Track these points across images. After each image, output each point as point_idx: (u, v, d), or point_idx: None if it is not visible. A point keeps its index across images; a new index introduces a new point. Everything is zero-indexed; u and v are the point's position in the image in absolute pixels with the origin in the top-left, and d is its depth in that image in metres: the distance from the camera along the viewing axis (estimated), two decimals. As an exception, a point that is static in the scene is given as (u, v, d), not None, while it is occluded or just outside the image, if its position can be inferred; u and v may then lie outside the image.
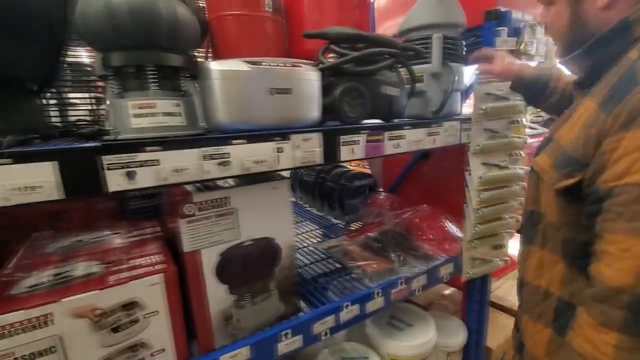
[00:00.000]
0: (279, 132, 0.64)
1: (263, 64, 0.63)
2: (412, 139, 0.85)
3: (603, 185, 0.46)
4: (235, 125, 0.62)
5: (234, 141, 0.60)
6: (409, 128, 0.84)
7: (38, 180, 0.47)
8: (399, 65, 0.90)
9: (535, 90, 0.88)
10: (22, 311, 0.52)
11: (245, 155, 0.61)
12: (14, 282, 0.60)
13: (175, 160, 0.55)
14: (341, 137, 0.72)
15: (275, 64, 0.64)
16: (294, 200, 1.82)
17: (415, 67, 0.94)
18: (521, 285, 0.67)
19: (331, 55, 0.83)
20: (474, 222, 1.01)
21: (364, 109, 0.79)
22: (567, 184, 0.52)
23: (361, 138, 0.76)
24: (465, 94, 1.10)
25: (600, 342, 0.43)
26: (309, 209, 1.71)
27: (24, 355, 0.53)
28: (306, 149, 0.68)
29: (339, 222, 1.50)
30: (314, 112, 0.71)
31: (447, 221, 1.13)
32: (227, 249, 0.68)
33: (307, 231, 1.42)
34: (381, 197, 1.38)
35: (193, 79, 0.69)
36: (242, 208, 0.68)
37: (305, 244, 1.27)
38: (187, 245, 0.65)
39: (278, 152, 0.64)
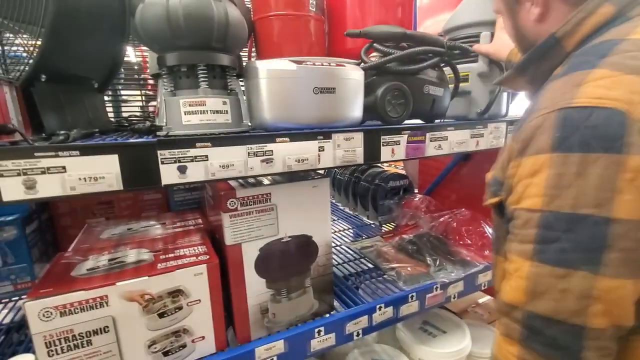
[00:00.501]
0: (321, 131, 0.65)
1: (308, 63, 0.63)
2: (455, 141, 0.83)
3: (509, 208, 0.46)
4: (279, 124, 0.64)
5: (278, 139, 0.61)
6: (452, 129, 0.82)
7: (101, 172, 0.50)
8: (443, 65, 0.88)
9: None
10: (83, 292, 0.57)
11: (287, 153, 0.62)
12: (74, 265, 0.66)
13: (223, 156, 0.57)
14: (382, 137, 0.72)
15: (320, 63, 0.64)
16: (327, 198, 1.83)
17: (460, 67, 0.91)
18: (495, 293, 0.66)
19: (374, 54, 0.83)
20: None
21: (405, 108, 0.78)
22: (492, 202, 0.52)
23: (402, 139, 0.75)
24: (512, 94, 1.05)
25: (506, 352, 0.45)
26: (342, 207, 1.71)
27: (81, 333, 0.58)
28: (347, 149, 0.68)
29: (372, 222, 1.49)
30: (356, 111, 0.71)
31: (488, 226, 1.08)
32: (266, 244, 0.70)
33: (340, 230, 1.43)
34: (417, 199, 1.35)
35: (238, 77, 0.71)
36: (282, 205, 0.70)
37: (338, 243, 1.27)
38: (229, 239, 0.67)
39: (319, 150, 0.65)
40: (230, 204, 0.66)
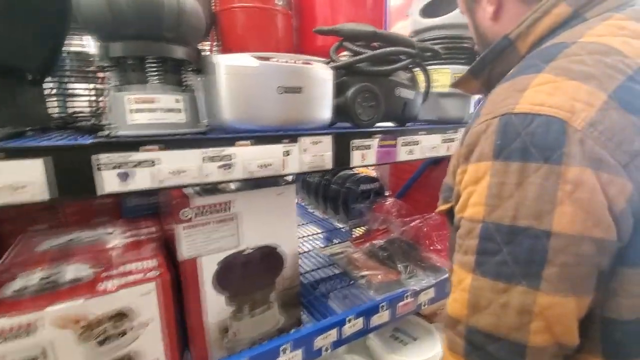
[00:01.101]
0: (286, 134, 0.60)
1: (273, 59, 0.58)
2: (427, 145, 0.80)
3: (456, 216, 0.45)
4: (240, 125, 0.58)
5: (238, 142, 0.55)
6: (424, 134, 0.79)
7: (22, 180, 0.42)
8: (414, 67, 0.86)
9: None
10: (5, 318, 0.49)
11: (249, 158, 0.56)
12: (1, 284, 0.56)
13: (174, 161, 0.51)
14: (352, 141, 0.68)
15: (285, 60, 0.59)
16: (297, 201, 1.78)
17: (455, 67, 0.89)
18: None
19: (344, 53, 0.79)
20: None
21: (376, 111, 0.74)
22: (443, 209, 0.50)
23: (373, 143, 0.71)
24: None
25: None
26: (311, 211, 1.66)
27: (5, 366, 0.49)
28: (315, 153, 0.63)
29: (343, 226, 1.45)
30: (325, 113, 0.66)
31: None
32: (226, 257, 0.64)
33: (309, 235, 1.38)
34: (388, 202, 1.33)
35: (197, 73, 0.65)
36: (244, 214, 0.64)
37: (307, 248, 1.23)
38: (184, 252, 0.60)
39: (285, 155, 0.60)
40: (183, 214, 0.59)
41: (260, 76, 0.56)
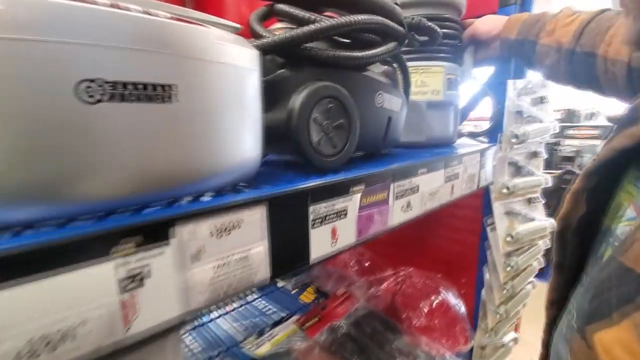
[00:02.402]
0: (132, 224, 0.20)
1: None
2: (427, 191, 0.47)
3: None
4: None
5: None
6: (424, 172, 0.46)
7: None
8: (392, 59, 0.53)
9: (523, 56, 0.62)
10: None
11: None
12: None
13: None
14: (313, 207, 0.31)
15: (112, 4, 0.19)
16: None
17: (449, 65, 0.59)
18: None
19: (278, 25, 0.42)
20: (499, 300, 0.67)
21: (348, 137, 0.38)
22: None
23: (351, 203, 0.35)
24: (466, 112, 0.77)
25: None
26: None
27: None
28: (224, 258, 0.24)
29: (284, 284, 1.07)
30: (244, 147, 0.28)
31: (448, 293, 0.77)
32: None
33: (234, 309, 0.95)
34: (342, 249, 0.99)
35: None
36: None
37: (232, 336, 0.81)
38: None
39: (125, 290, 0.20)
40: None
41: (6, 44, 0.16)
